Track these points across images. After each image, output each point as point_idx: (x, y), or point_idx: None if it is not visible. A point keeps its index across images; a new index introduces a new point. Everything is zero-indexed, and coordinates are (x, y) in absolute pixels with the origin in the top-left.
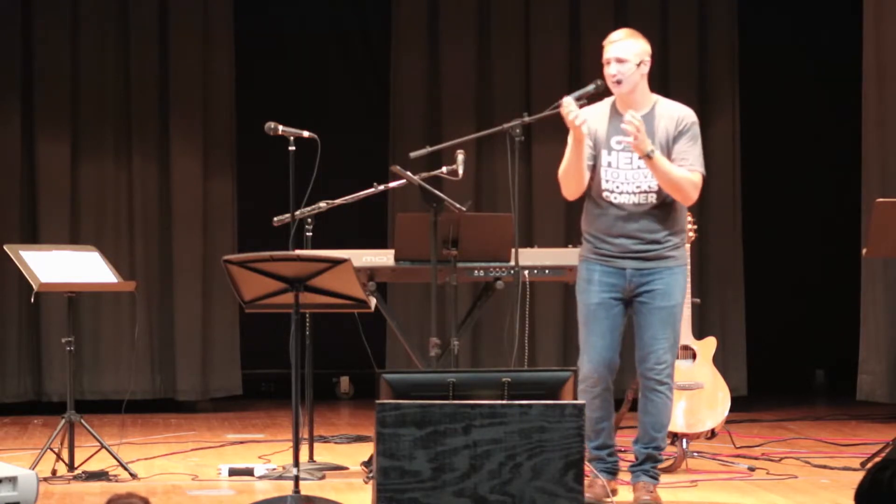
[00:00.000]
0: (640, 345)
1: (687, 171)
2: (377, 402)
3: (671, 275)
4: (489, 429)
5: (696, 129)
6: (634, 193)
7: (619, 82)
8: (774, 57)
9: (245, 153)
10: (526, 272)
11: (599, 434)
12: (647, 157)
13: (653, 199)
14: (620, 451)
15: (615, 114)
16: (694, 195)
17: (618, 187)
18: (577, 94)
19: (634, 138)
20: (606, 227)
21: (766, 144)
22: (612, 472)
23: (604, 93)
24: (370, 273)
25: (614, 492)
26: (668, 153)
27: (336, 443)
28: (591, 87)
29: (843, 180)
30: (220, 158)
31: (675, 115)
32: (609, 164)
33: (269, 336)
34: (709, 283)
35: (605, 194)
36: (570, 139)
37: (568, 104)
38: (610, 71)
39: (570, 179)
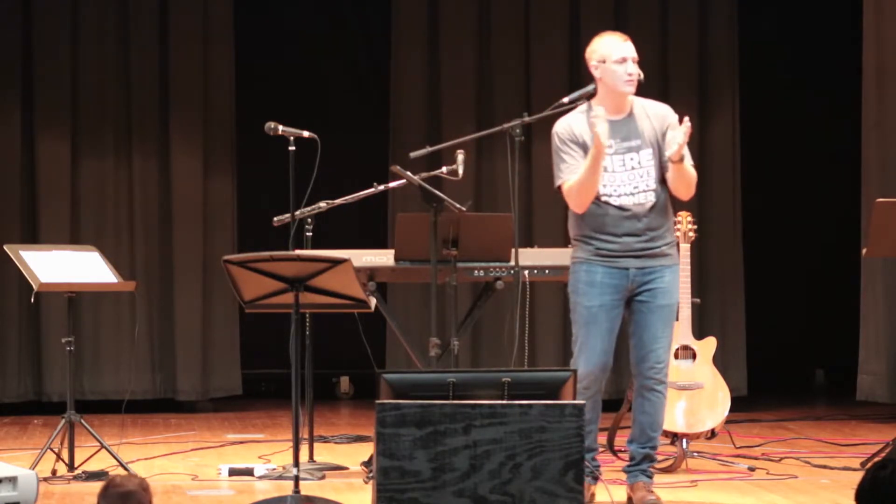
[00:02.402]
0: (638, 344)
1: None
2: (377, 402)
3: (671, 273)
4: (489, 429)
5: None
6: (633, 194)
7: (635, 83)
8: (774, 57)
9: (245, 153)
10: (526, 272)
11: (587, 437)
12: (681, 160)
13: (651, 197)
14: (621, 450)
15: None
16: (694, 191)
17: (615, 190)
18: (574, 95)
19: (681, 145)
20: (611, 226)
21: (766, 145)
22: (595, 477)
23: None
24: (370, 273)
25: (592, 496)
26: (657, 150)
27: (336, 443)
28: (589, 88)
29: (843, 180)
30: (220, 158)
31: (660, 113)
32: (605, 169)
33: (269, 336)
34: (709, 283)
35: (603, 198)
36: (589, 155)
37: (601, 122)
38: (629, 69)
39: (589, 193)
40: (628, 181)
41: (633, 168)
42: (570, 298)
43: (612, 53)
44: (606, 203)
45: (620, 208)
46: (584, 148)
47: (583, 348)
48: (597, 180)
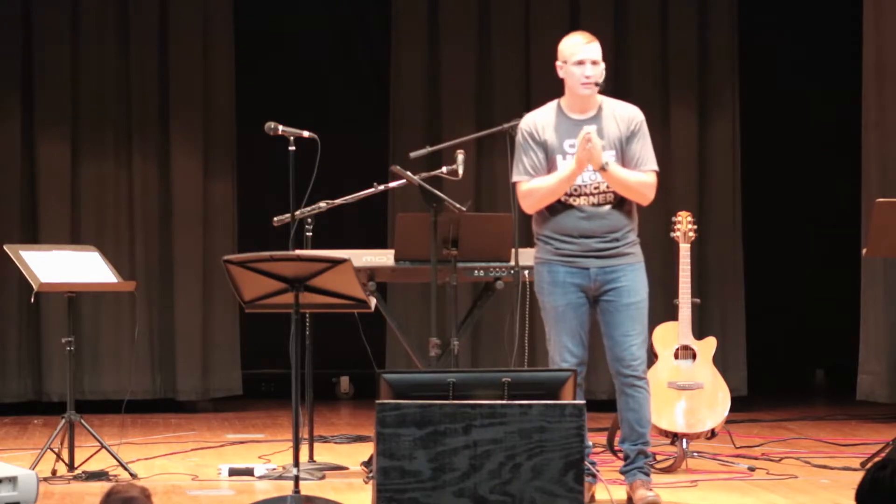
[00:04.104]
0: (612, 344)
1: (642, 173)
2: (377, 402)
3: (633, 271)
4: (489, 429)
5: (646, 127)
6: (593, 195)
7: (594, 84)
8: (774, 57)
9: (245, 153)
10: (526, 272)
11: None
12: (602, 169)
13: (610, 198)
14: (621, 450)
15: (563, 117)
16: (651, 195)
17: (576, 190)
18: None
19: (590, 154)
20: (568, 227)
21: (766, 144)
22: (593, 475)
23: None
24: (370, 273)
25: (591, 498)
26: (620, 153)
27: (336, 443)
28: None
29: (843, 180)
30: (220, 158)
31: (626, 115)
32: None
33: (269, 336)
34: (709, 283)
35: (563, 198)
36: (571, 163)
37: (595, 137)
38: (587, 72)
39: (549, 202)
40: (588, 181)
41: (594, 169)
42: (538, 298)
43: (572, 55)
44: (565, 203)
45: (578, 209)
46: (545, 146)
47: (556, 346)
48: (562, 192)
